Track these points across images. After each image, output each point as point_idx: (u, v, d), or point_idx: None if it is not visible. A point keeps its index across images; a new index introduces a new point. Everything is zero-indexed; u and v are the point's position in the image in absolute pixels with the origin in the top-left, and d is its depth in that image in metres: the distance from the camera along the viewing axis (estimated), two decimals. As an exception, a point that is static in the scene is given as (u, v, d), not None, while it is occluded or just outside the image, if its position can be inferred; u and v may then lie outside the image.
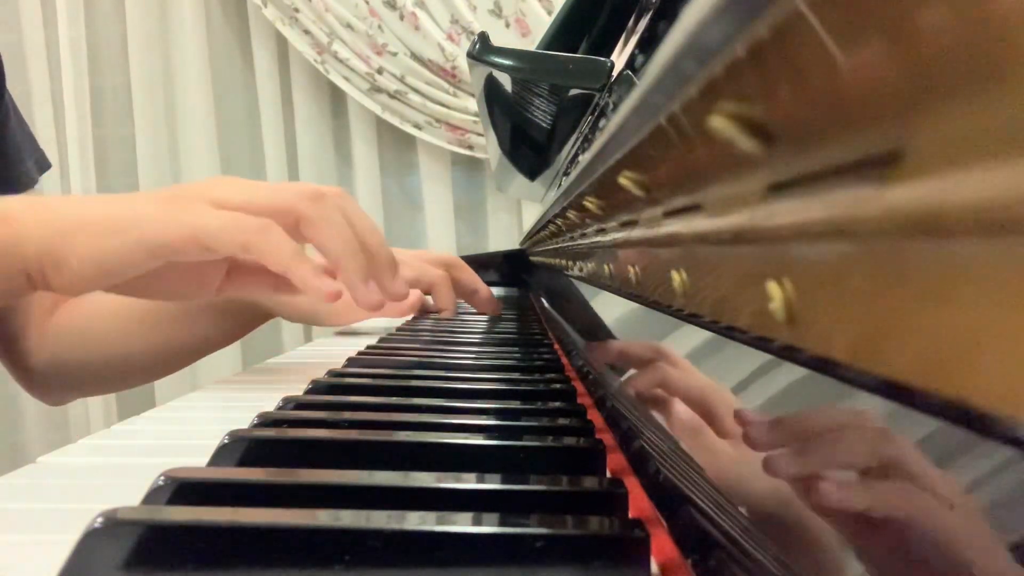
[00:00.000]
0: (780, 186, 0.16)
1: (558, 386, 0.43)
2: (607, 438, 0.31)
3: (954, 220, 0.10)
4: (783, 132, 0.15)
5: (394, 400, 0.39)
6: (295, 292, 0.49)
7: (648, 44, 0.42)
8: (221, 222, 0.43)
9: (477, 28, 1.68)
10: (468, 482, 0.25)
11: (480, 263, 1.41)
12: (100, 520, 0.20)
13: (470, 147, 1.78)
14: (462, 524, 0.21)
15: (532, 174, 0.90)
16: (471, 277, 0.82)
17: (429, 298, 0.81)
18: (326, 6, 1.74)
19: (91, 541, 0.19)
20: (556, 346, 0.62)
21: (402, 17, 1.73)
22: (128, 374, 0.75)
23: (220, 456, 0.29)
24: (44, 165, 0.84)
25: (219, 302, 0.68)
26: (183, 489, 0.24)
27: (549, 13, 1.66)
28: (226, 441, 0.29)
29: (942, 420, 0.11)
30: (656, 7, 0.41)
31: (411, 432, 0.31)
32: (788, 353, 0.17)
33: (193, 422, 0.41)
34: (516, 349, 0.60)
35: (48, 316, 0.74)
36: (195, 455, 0.29)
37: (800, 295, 0.15)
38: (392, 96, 1.77)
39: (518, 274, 1.40)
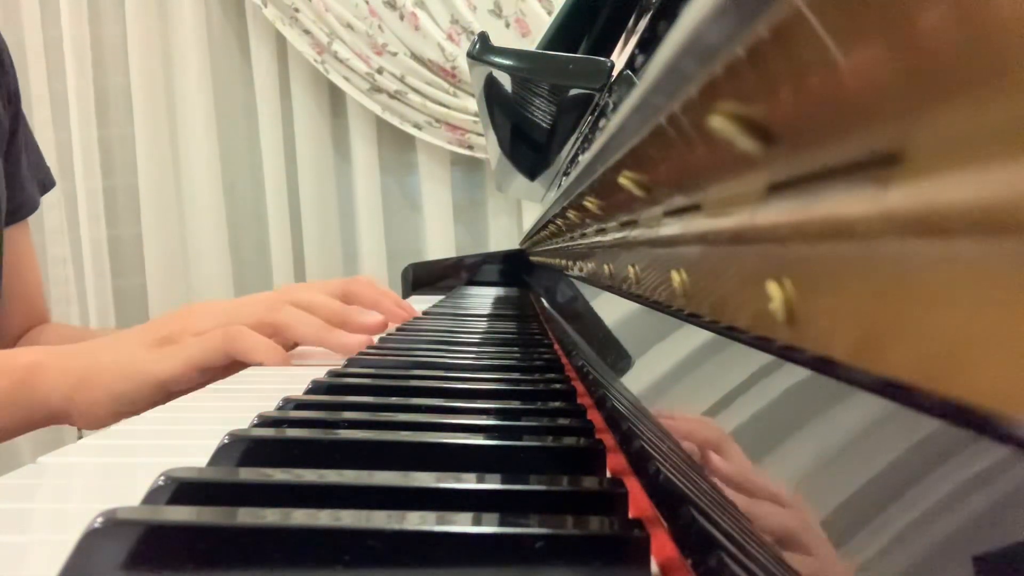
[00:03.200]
0: (780, 186, 0.16)
1: (558, 386, 0.43)
2: (607, 438, 0.31)
3: (954, 220, 0.10)
4: (783, 132, 0.15)
5: (394, 400, 0.39)
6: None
7: (648, 44, 0.42)
8: (207, 346, 0.53)
9: (477, 28, 1.68)
10: (468, 482, 0.25)
11: (480, 263, 1.42)
12: (100, 520, 0.20)
13: (470, 147, 1.78)
14: (462, 524, 0.21)
15: (532, 174, 0.90)
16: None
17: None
18: (326, 6, 1.74)
19: (91, 541, 0.19)
20: (556, 346, 0.62)
21: (402, 17, 1.73)
22: None
23: (220, 456, 0.29)
24: (48, 185, 0.87)
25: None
26: (183, 489, 0.24)
27: (549, 13, 1.67)
28: (226, 441, 0.29)
29: (942, 420, 0.11)
30: (656, 7, 0.41)
31: (411, 432, 0.31)
32: (788, 353, 0.17)
33: (193, 422, 0.41)
34: (516, 349, 0.60)
35: (15, 341, 0.85)
36: (195, 455, 0.29)
37: (800, 295, 0.15)
38: (392, 96, 1.77)
39: (518, 274, 1.40)
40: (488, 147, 1.42)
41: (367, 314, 0.62)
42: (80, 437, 0.39)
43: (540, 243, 1.03)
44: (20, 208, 0.82)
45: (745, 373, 0.21)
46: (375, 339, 0.63)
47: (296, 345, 0.64)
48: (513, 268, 1.40)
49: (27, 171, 0.82)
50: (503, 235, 1.88)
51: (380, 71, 1.75)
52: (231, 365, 0.56)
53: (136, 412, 0.51)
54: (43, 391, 0.53)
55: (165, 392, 0.53)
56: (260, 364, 0.55)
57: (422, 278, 1.37)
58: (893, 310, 0.12)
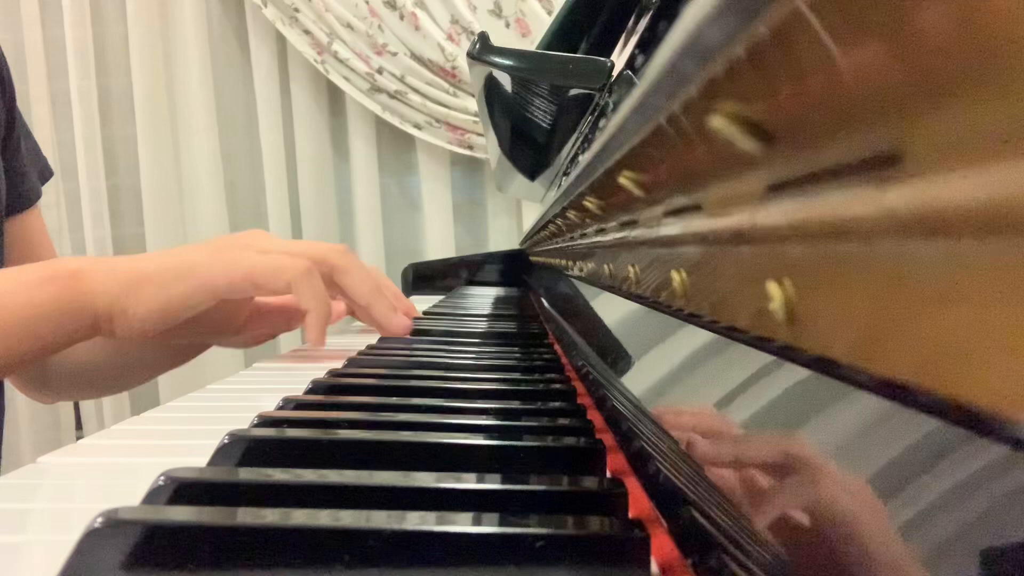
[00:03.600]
0: (780, 186, 0.16)
1: (558, 386, 0.43)
2: (607, 438, 0.31)
3: (954, 220, 0.10)
4: (783, 132, 0.15)
5: (394, 400, 0.39)
6: (299, 326, 0.61)
7: (648, 44, 0.42)
8: (271, 263, 0.52)
9: (477, 28, 1.68)
10: (468, 482, 0.25)
11: (480, 263, 1.42)
12: (100, 520, 0.20)
13: (470, 147, 1.78)
14: (462, 524, 0.21)
15: (532, 174, 0.90)
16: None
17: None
18: (326, 6, 1.74)
19: (91, 541, 0.19)
20: (556, 346, 0.62)
21: (402, 17, 1.73)
22: (97, 383, 0.83)
23: (220, 456, 0.29)
24: (47, 174, 0.88)
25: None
26: (183, 489, 0.24)
27: (549, 13, 1.66)
28: (226, 441, 0.29)
29: (942, 420, 0.11)
30: (656, 7, 0.41)
31: (411, 432, 0.31)
32: (788, 353, 0.17)
33: (193, 422, 0.41)
34: (516, 349, 0.60)
35: None
36: (195, 455, 0.29)
37: (800, 295, 0.15)
38: (392, 96, 1.77)
39: (518, 274, 1.40)
40: (488, 147, 1.42)
41: (411, 304, 0.66)
42: (79, 438, 0.39)
43: (540, 243, 1.03)
44: (28, 195, 0.83)
45: (745, 373, 0.21)
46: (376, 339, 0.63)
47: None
48: (513, 268, 1.40)
49: (28, 161, 0.83)
50: (503, 235, 1.88)
51: (380, 71, 1.75)
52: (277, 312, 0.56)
53: (184, 317, 0.52)
54: (90, 295, 0.50)
55: (217, 299, 0.52)
56: (310, 310, 0.54)
57: (422, 278, 1.37)
58: (893, 310, 0.12)
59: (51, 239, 0.88)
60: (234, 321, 0.60)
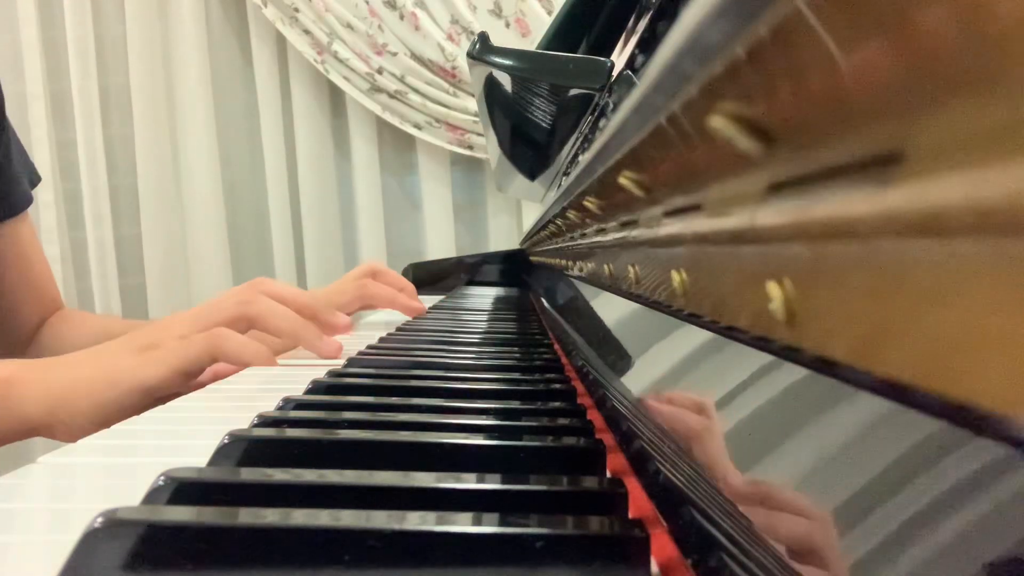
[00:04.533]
0: (780, 186, 0.16)
1: (558, 386, 0.43)
2: (607, 438, 0.31)
3: (954, 220, 0.10)
4: (783, 132, 0.15)
5: (394, 400, 0.39)
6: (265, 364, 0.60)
7: (648, 44, 0.42)
8: (191, 350, 0.54)
9: (477, 28, 1.68)
10: (468, 482, 0.25)
11: (480, 263, 1.42)
12: (100, 520, 0.20)
13: (470, 147, 1.78)
14: (462, 524, 0.21)
15: (532, 174, 0.90)
16: (393, 276, 0.89)
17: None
18: (326, 6, 1.74)
19: (91, 541, 0.19)
20: (556, 346, 0.62)
21: (402, 17, 1.73)
22: None
23: (220, 456, 0.29)
24: (35, 180, 0.89)
25: None
26: (183, 489, 0.24)
27: (549, 13, 1.66)
28: (226, 441, 0.29)
29: (942, 420, 0.11)
30: (656, 7, 0.41)
31: (411, 432, 0.31)
32: (788, 353, 0.17)
33: (193, 422, 0.41)
34: (516, 349, 0.60)
35: (35, 330, 0.86)
36: (195, 455, 0.29)
37: (800, 295, 0.15)
38: (392, 96, 1.77)
39: (518, 274, 1.40)
40: (488, 147, 1.42)
41: (335, 315, 0.64)
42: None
43: (540, 243, 1.03)
44: (19, 201, 0.83)
45: (745, 373, 0.21)
46: (375, 338, 0.63)
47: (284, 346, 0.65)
48: (513, 268, 1.40)
49: (18, 166, 0.83)
50: (503, 235, 1.88)
51: (380, 71, 1.75)
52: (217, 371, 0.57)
53: (122, 419, 0.51)
54: (22, 405, 0.52)
55: (151, 398, 0.53)
56: (247, 365, 0.56)
57: (422, 278, 1.36)
58: (893, 310, 0.12)
59: (45, 240, 0.89)
60: (194, 388, 0.62)
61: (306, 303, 0.62)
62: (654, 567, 0.21)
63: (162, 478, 0.24)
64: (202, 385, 0.61)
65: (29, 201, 0.85)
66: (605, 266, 0.47)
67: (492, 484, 0.25)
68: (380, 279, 0.86)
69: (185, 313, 0.60)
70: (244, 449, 0.29)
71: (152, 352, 0.54)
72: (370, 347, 0.59)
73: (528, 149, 0.80)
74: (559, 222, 0.69)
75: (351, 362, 0.52)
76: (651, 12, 0.42)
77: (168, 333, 0.56)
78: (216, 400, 0.47)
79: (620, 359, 0.40)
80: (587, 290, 0.58)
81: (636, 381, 0.33)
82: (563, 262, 0.79)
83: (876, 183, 0.12)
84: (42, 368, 0.55)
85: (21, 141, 0.86)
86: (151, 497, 0.23)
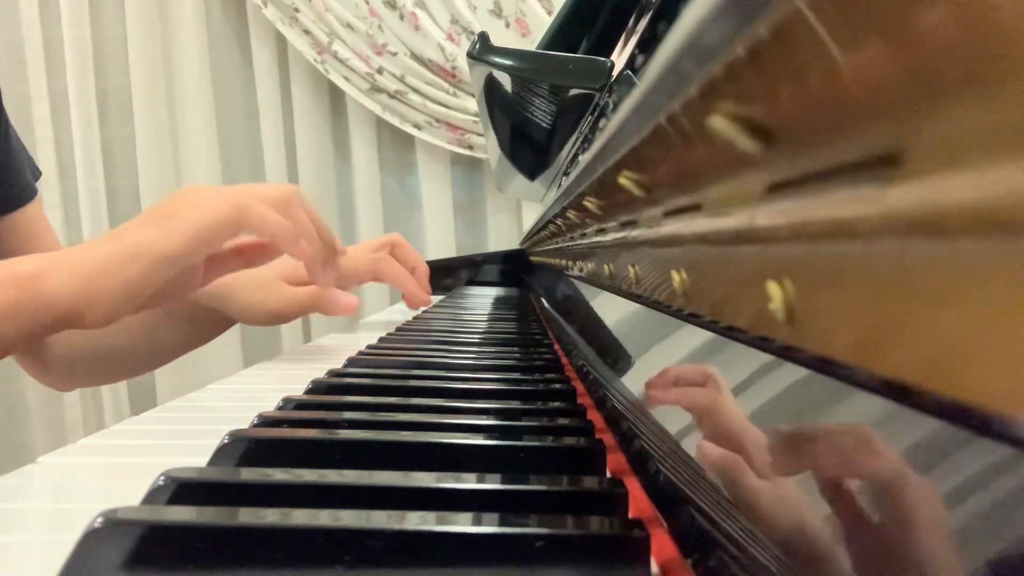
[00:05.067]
0: (780, 186, 0.16)
1: (558, 386, 0.43)
2: (607, 438, 0.31)
3: (954, 220, 0.10)
4: (783, 132, 0.15)
5: (394, 400, 0.39)
6: (263, 262, 0.60)
7: (648, 44, 0.42)
8: (214, 217, 0.52)
9: (477, 28, 1.68)
10: (468, 482, 0.25)
11: (480, 263, 1.42)
12: (100, 520, 0.20)
13: (470, 147, 1.78)
14: (462, 524, 0.21)
15: (532, 174, 0.90)
16: (412, 254, 0.87)
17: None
18: (326, 6, 1.74)
19: (91, 541, 0.19)
20: (556, 346, 0.62)
21: (402, 17, 1.73)
22: (124, 366, 0.85)
23: (220, 456, 0.29)
24: (36, 173, 0.89)
25: (188, 309, 0.78)
26: (183, 489, 0.24)
27: (549, 13, 1.66)
28: (226, 441, 0.29)
29: (942, 420, 0.11)
30: (656, 7, 0.41)
31: (411, 432, 0.31)
32: (788, 353, 0.17)
33: (193, 422, 0.41)
34: (516, 349, 0.60)
35: None
36: (195, 455, 0.29)
37: (800, 295, 0.15)
38: (392, 96, 1.77)
39: (518, 274, 1.40)
40: (488, 147, 1.42)
41: (345, 295, 0.63)
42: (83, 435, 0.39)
43: (540, 243, 1.03)
44: (24, 192, 0.84)
45: (745, 373, 0.21)
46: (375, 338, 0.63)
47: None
48: (513, 268, 1.40)
49: (19, 158, 0.83)
50: (503, 235, 1.88)
51: (380, 71, 1.75)
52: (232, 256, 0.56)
53: (148, 293, 0.52)
54: (54, 295, 0.51)
55: (175, 268, 0.52)
56: (270, 237, 0.54)
57: (422, 278, 1.36)
58: (893, 310, 0.12)
59: (54, 232, 0.89)
60: (194, 275, 0.59)
61: (334, 244, 0.60)
62: (654, 567, 0.21)
63: (162, 478, 0.24)
64: (222, 258, 0.61)
65: (34, 192, 0.85)
66: (605, 266, 0.47)
67: (492, 484, 0.25)
68: (397, 253, 0.85)
69: (208, 188, 0.58)
70: (244, 449, 0.29)
71: (172, 221, 0.53)
72: (370, 347, 0.59)
73: (528, 149, 0.80)
74: (559, 222, 0.69)
75: (351, 362, 0.52)
76: (651, 12, 0.42)
77: (188, 202, 0.54)
78: (216, 400, 0.47)
79: (620, 359, 0.40)
80: (587, 290, 0.58)
81: (636, 381, 0.33)
82: (563, 262, 0.79)
83: (876, 183, 0.12)
84: (67, 255, 0.53)
85: (23, 141, 0.87)
86: (151, 497, 0.23)
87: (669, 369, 0.29)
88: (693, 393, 0.26)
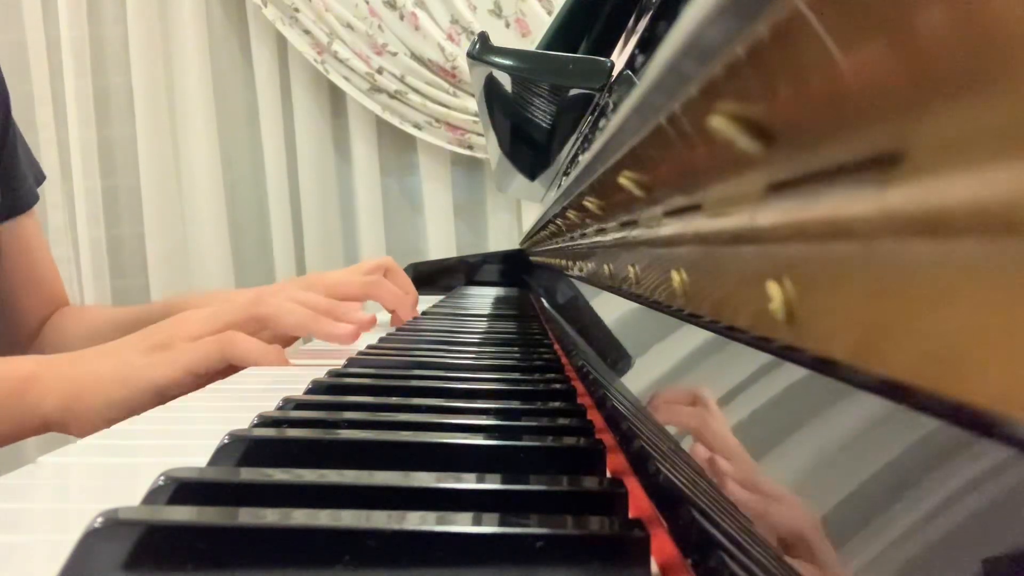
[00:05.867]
0: (780, 186, 0.16)
1: (558, 386, 0.43)
2: (607, 438, 0.31)
3: (954, 220, 0.10)
4: (783, 132, 0.15)
5: (394, 400, 0.39)
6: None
7: (648, 44, 0.42)
8: (201, 351, 0.55)
9: (477, 28, 1.68)
10: (468, 482, 0.25)
11: (480, 263, 1.42)
12: (100, 520, 0.20)
13: (470, 147, 1.78)
14: (462, 524, 0.21)
15: (532, 174, 0.90)
16: (403, 280, 0.88)
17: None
18: (326, 6, 1.74)
19: (91, 541, 0.19)
20: (556, 346, 0.62)
21: (402, 17, 1.73)
22: None
23: (220, 456, 0.29)
24: (40, 178, 0.90)
25: None
26: (183, 489, 0.24)
27: (549, 13, 1.66)
28: (226, 441, 0.29)
29: (942, 420, 0.11)
30: (656, 7, 0.41)
31: (411, 432, 0.31)
32: (788, 353, 0.17)
33: (193, 422, 0.41)
34: (516, 349, 0.60)
35: (39, 327, 0.87)
36: (195, 455, 0.29)
37: (800, 295, 0.15)
38: (392, 96, 1.77)
39: (518, 274, 1.40)
40: (488, 147, 1.42)
41: (356, 311, 0.64)
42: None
43: (540, 243, 1.03)
44: (26, 198, 0.84)
45: (745, 373, 0.21)
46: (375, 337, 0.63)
47: (293, 340, 0.65)
48: (513, 268, 1.40)
49: (24, 164, 0.84)
50: (503, 235, 1.88)
51: (380, 71, 1.75)
52: (227, 368, 0.57)
53: (129, 417, 0.53)
54: (37, 402, 0.53)
55: (162, 398, 0.54)
56: (257, 365, 0.56)
57: (422, 278, 1.36)
58: (893, 310, 0.12)
59: (53, 240, 0.90)
60: (205, 384, 0.62)
61: (322, 304, 0.63)
62: (654, 567, 0.21)
63: (162, 478, 0.24)
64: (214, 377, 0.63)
65: (35, 199, 0.86)
66: (605, 266, 0.47)
67: (492, 484, 0.25)
68: (390, 277, 0.85)
69: (199, 312, 0.61)
70: (244, 449, 0.29)
71: (164, 352, 0.55)
72: (370, 347, 0.59)
73: (528, 149, 0.80)
74: (559, 222, 0.69)
75: (351, 362, 0.52)
76: (651, 12, 0.42)
77: (181, 333, 0.57)
78: (216, 400, 0.47)
79: (620, 359, 0.40)
80: (587, 290, 0.58)
81: (636, 381, 0.33)
82: (563, 262, 0.79)
83: (876, 183, 0.12)
84: (59, 365, 0.56)
85: (27, 141, 0.87)
86: (151, 497, 0.23)
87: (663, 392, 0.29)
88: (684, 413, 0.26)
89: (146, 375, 0.54)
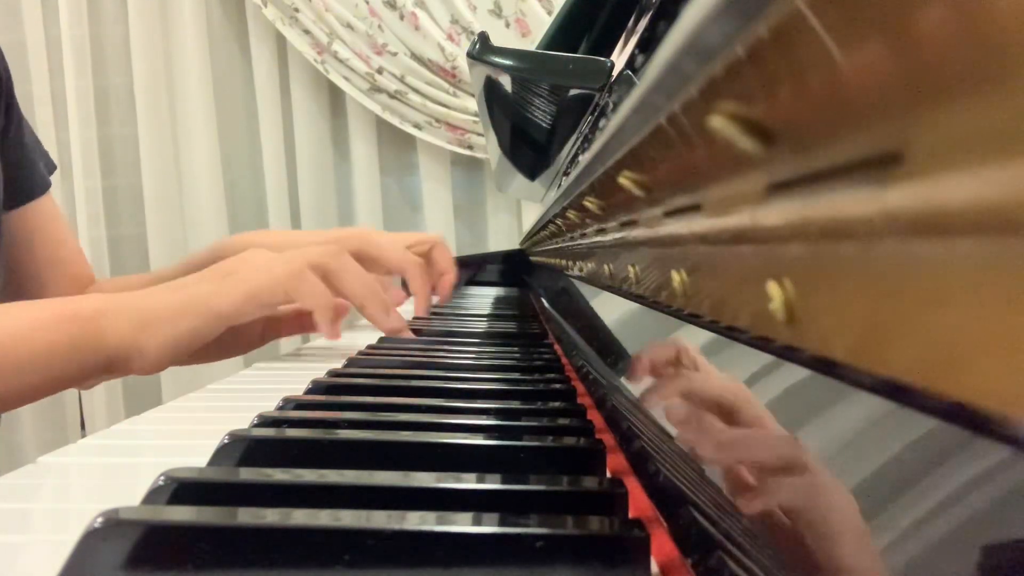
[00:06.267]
0: (780, 186, 0.16)
1: (558, 386, 0.43)
2: (607, 438, 0.31)
3: (954, 220, 0.10)
4: (783, 132, 0.15)
5: (394, 400, 0.39)
6: (317, 331, 0.61)
7: (648, 44, 0.42)
8: (268, 280, 0.55)
9: (477, 28, 1.68)
10: (468, 482, 0.25)
11: (480, 263, 1.42)
12: (100, 520, 0.20)
13: (470, 147, 1.78)
14: (462, 524, 0.21)
15: (532, 174, 0.90)
16: (447, 259, 0.87)
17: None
18: (326, 6, 1.74)
19: (91, 541, 0.19)
20: (556, 346, 0.62)
21: (402, 17, 1.73)
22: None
23: (220, 456, 0.29)
24: (51, 167, 0.90)
25: None
26: (183, 489, 0.24)
27: (549, 13, 1.66)
28: (226, 441, 0.29)
29: (942, 420, 0.11)
30: (656, 7, 0.41)
31: (411, 432, 0.31)
32: (788, 353, 0.17)
33: (193, 422, 0.41)
34: (516, 349, 0.60)
35: None
36: (195, 455, 0.29)
37: (800, 295, 0.15)
38: (392, 96, 1.77)
39: (518, 274, 1.40)
40: (488, 147, 1.42)
41: (395, 317, 0.64)
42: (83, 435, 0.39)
43: (540, 243, 1.03)
44: (38, 184, 0.85)
45: (745, 373, 0.21)
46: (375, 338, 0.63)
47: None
48: (513, 268, 1.40)
49: (32, 151, 0.84)
50: (503, 235, 1.88)
51: (380, 71, 1.75)
52: (293, 317, 0.58)
53: (195, 348, 0.54)
54: (106, 336, 0.52)
55: (225, 326, 0.54)
56: (312, 310, 0.56)
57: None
58: (893, 310, 0.12)
59: (67, 223, 0.89)
60: (250, 337, 0.63)
61: (377, 287, 0.62)
62: (654, 567, 0.21)
63: (162, 478, 0.24)
64: (281, 321, 0.65)
65: (48, 185, 0.86)
66: (605, 266, 0.47)
67: (492, 484, 0.25)
68: (435, 254, 0.83)
69: (271, 238, 0.62)
70: (244, 449, 0.29)
71: (229, 279, 0.55)
72: (370, 347, 0.59)
73: (528, 149, 0.80)
74: (559, 222, 0.69)
75: (351, 362, 0.52)
76: (651, 12, 0.42)
77: (249, 263, 0.57)
78: (216, 400, 0.47)
79: (620, 359, 0.40)
80: (587, 290, 0.58)
81: (636, 381, 0.33)
82: (563, 262, 0.79)
83: (876, 183, 0.12)
84: (125, 300, 0.55)
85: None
86: (151, 497, 0.23)
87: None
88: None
89: (209, 301, 0.54)
